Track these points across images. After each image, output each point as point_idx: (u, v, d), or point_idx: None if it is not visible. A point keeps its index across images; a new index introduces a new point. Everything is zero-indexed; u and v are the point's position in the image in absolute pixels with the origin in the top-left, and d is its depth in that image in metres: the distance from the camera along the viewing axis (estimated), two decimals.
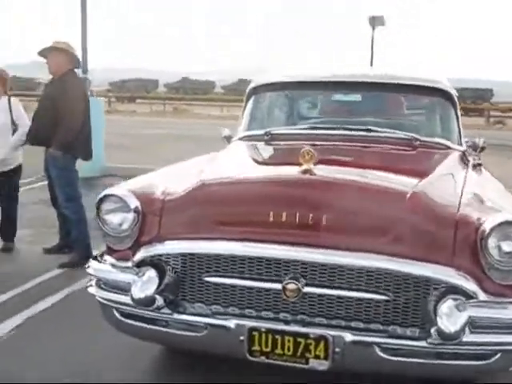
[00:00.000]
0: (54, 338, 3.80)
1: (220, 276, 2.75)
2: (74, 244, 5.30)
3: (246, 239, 2.71)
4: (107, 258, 3.03)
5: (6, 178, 5.62)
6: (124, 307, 2.89)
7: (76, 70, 5.28)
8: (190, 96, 42.39)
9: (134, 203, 2.89)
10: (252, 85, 4.56)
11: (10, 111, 5.56)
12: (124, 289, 2.87)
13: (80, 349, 3.65)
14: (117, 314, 2.95)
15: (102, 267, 3.02)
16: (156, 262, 2.81)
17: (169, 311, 2.80)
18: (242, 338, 2.67)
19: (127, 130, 18.45)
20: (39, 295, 4.51)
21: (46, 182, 6.56)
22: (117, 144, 13.47)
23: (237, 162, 3.55)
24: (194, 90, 47.98)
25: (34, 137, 5.20)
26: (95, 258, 3.11)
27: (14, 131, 5.58)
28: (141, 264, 2.84)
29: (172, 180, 3.17)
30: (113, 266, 2.98)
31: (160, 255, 2.82)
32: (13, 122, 5.57)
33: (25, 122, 5.60)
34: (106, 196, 2.96)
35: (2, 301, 4.44)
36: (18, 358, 3.55)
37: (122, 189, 3.00)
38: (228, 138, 4.53)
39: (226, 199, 2.88)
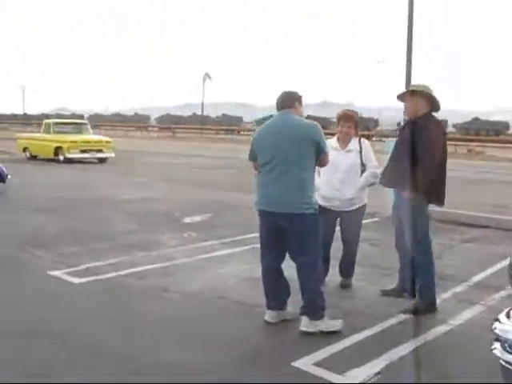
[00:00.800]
0: None
1: None
2: (420, 290, 5.14)
3: None
4: None
5: (350, 217, 5.75)
6: None
7: (434, 112, 5.19)
8: (485, 137, 40.44)
9: None
10: None
11: (360, 152, 5.69)
12: None
13: None
14: None
15: (510, 329, 2.79)
16: None
17: None
18: None
19: None
20: (392, 340, 4.42)
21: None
22: None
23: None
24: (487, 130, 45.82)
25: (389, 179, 5.23)
26: (497, 320, 2.90)
27: (362, 172, 5.70)
28: None
29: None
30: None
31: None
32: (362, 163, 5.70)
33: (373, 164, 5.70)
34: None
35: (355, 342, 4.43)
36: None
37: None
38: None
39: None
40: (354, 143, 5.74)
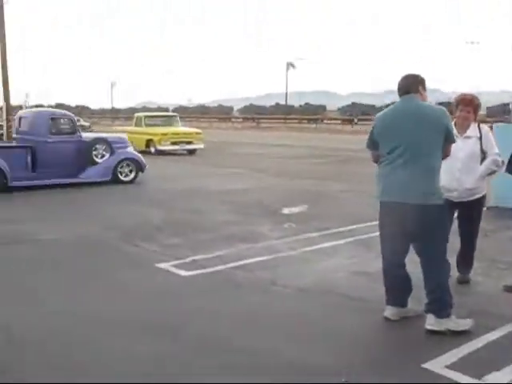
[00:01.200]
0: None
1: None
2: None
3: None
4: None
5: (470, 208, 5.39)
6: None
7: None
8: None
9: None
10: None
11: (480, 139, 5.32)
12: None
13: None
14: None
15: None
16: None
17: None
18: None
19: None
20: None
21: None
22: None
23: None
24: None
25: None
26: None
27: (481, 160, 5.33)
28: None
29: None
30: None
31: None
32: (482, 150, 5.32)
33: (494, 151, 5.31)
34: None
35: (487, 343, 4.10)
36: None
37: None
38: None
39: None
40: (473, 129, 5.36)
